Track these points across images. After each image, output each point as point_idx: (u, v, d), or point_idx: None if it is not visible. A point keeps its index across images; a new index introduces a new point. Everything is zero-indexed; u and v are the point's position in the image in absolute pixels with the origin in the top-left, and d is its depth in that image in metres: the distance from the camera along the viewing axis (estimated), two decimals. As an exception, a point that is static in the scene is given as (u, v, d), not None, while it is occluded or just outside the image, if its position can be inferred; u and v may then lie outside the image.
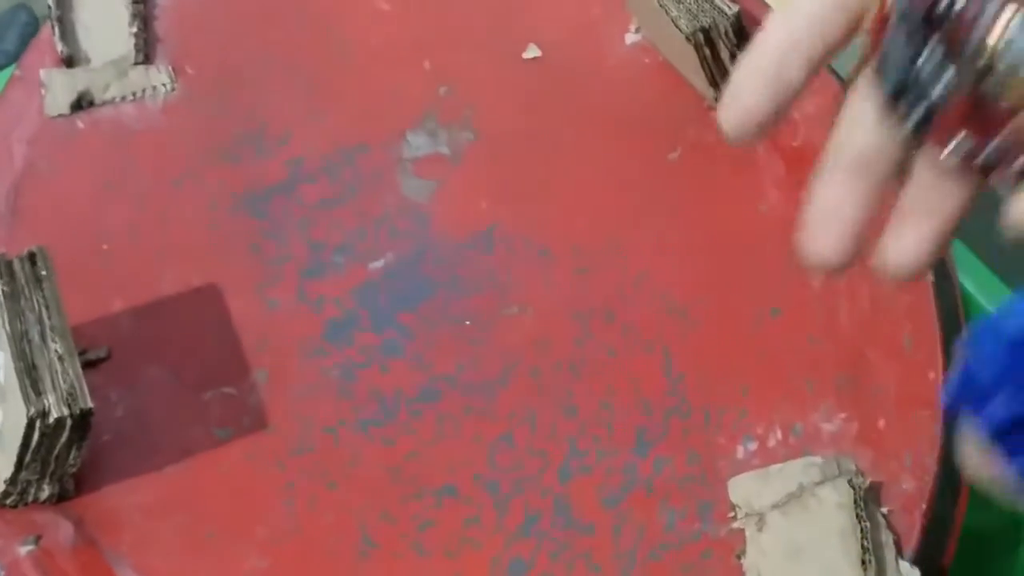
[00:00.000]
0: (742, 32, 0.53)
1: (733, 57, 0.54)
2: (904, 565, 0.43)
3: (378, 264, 0.55)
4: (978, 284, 0.62)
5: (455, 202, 0.57)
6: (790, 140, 0.57)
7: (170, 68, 0.59)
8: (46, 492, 0.45)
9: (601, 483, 0.49)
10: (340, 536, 0.47)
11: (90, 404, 0.43)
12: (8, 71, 0.59)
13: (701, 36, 0.53)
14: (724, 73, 0.55)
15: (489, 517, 0.48)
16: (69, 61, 0.57)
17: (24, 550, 0.44)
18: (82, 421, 0.43)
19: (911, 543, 0.44)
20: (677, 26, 0.53)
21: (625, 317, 0.53)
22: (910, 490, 0.45)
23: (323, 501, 0.48)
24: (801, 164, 0.57)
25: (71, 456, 0.44)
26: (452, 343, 0.53)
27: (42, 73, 0.57)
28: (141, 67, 0.58)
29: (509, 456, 0.50)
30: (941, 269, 0.54)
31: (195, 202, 0.56)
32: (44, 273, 0.45)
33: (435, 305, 0.54)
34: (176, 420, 0.49)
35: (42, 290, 0.45)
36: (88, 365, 0.48)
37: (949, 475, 0.46)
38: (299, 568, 0.46)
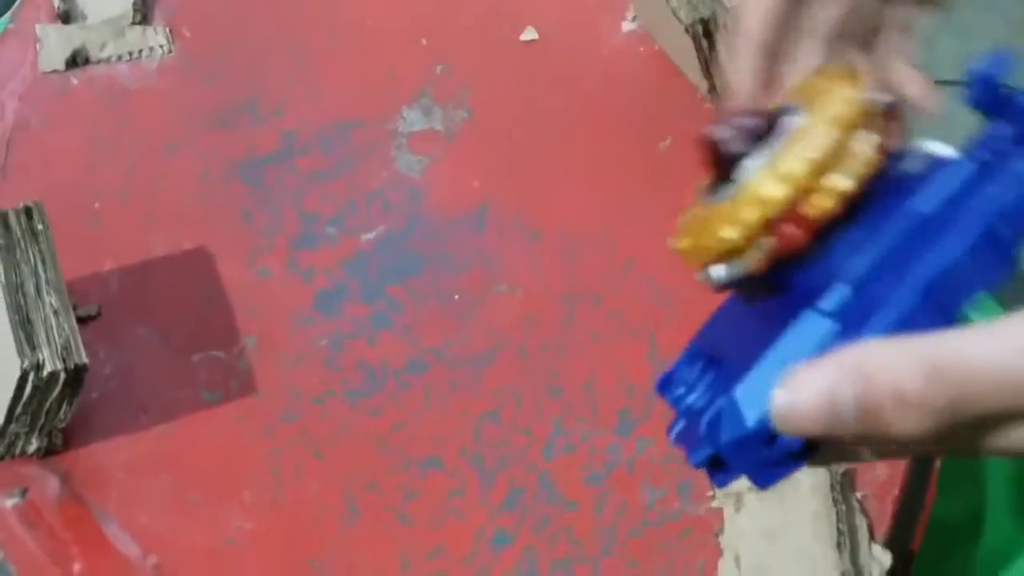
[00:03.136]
0: (740, 27, 0.54)
1: (730, 51, 0.55)
2: (876, 548, 0.44)
3: (369, 237, 0.55)
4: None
5: (448, 179, 0.57)
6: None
7: (167, 30, 0.58)
8: (34, 446, 0.45)
9: (584, 462, 0.50)
10: (325, 504, 0.48)
11: (85, 359, 0.43)
12: (1, 23, 0.59)
13: (700, 27, 0.54)
14: (719, 64, 0.56)
15: (473, 490, 0.49)
16: (65, 17, 0.56)
17: (10, 502, 0.44)
18: (76, 376, 0.43)
19: (883, 528, 0.45)
20: (676, 16, 0.54)
21: (612, 302, 0.54)
22: (883, 477, 0.47)
23: (309, 469, 0.49)
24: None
25: (61, 411, 0.44)
26: (440, 318, 0.54)
27: (37, 28, 0.56)
28: (138, 27, 0.57)
29: (494, 432, 0.50)
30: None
31: (188, 166, 0.56)
32: (40, 227, 0.45)
33: (425, 279, 0.55)
34: (164, 381, 0.49)
35: (38, 244, 0.45)
36: (78, 322, 0.48)
37: (919, 464, 0.48)
38: (284, 533, 0.47)
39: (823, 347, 0.23)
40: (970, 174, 0.23)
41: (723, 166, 0.26)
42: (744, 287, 0.26)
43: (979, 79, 0.23)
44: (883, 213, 0.23)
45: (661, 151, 0.58)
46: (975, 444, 0.24)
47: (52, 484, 0.45)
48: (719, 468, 0.26)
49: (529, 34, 0.61)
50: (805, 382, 0.23)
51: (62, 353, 0.42)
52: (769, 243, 0.24)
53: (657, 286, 0.55)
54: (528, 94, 0.60)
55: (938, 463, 0.49)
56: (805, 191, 0.23)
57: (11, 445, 0.44)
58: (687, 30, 0.54)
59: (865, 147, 0.23)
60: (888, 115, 0.24)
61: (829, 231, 0.24)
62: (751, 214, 0.24)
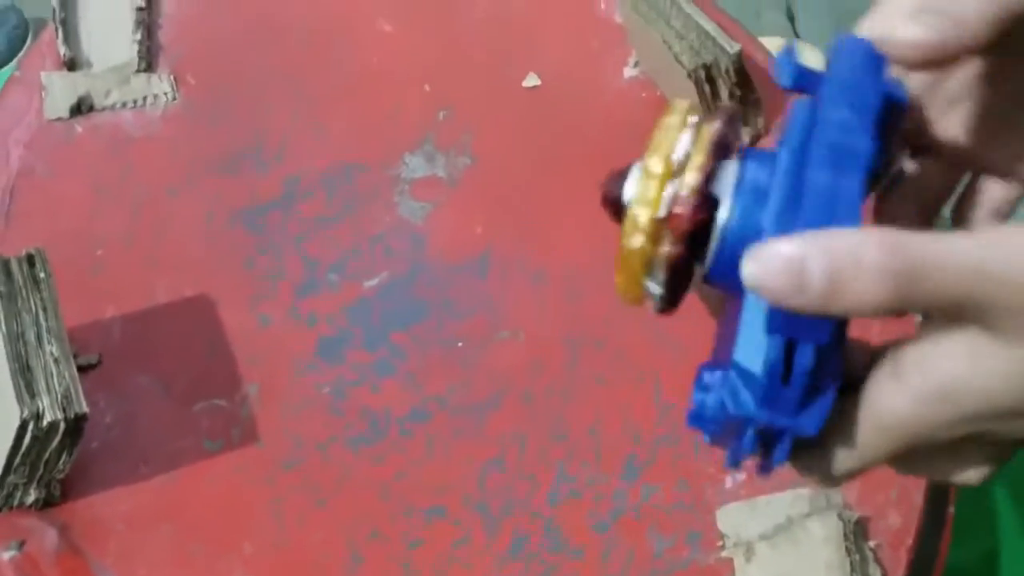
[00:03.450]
0: (742, 71, 0.55)
1: (732, 95, 0.55)
2: (890, 597, 0.44)
3: (372, 283, 0.55)
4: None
5: (450, 225, 0.57)
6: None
7: (172, 77, 0.59)
8: (32, 497, 0.44)
9: (590, 508, 0.49)
10: (328, 553, 0.47)
11: (85, 409, 0.42)
12: (5, 72, 0.59)
13: (703, 72, 0.54)
14: (721, 111, 0.57)
15: (478, 538, 0.48)
16: (71, 64, 0.57)
17: (7, 555, 0.43)
18: (76, 426, 0.42)
19: (898, 576, 0.45)
20: (679, 61, 0.54)
21: (616, 344, 0.54)
22: (897, 524, 0.46)
23: (312, 517, 0.48)
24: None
25: (61, 461, 0.43)
26: (444, 364, 0.53)
27: (43, 75, 0.57)
28: (143, 74, 0.58)
29: (499, 479, 0.50)
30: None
31: (191, 213, 0.56)
32: (42, 275, 0.45)
33: (428, 326, 0.54)
34: (165, 430, 0.49)
35: (40, 292, 0.44)
36: (79, 370, 0.47)
37: (934, 510, 0.47)
38: (286, 584, 0.46)
39: None
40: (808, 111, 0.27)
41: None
42: (683, 288, 0.28)
43: (786, 65, 0.28)
44: (763, 170, 0.27)
45: (664, 195, 0.58)
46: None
47: (50, 536, 0.45)
48: (768, 445, 0.27)
49: (532, 80, 0.62)
50: (773, 250, 0.24)
51: (62, 402, 0.42)
52: (670, 232, 0.27)
53: (661, 328, 0.54)
54: (531, 140, 0.60)
55: (952, 510, 0.48)
56: (676, 177, 0.27)
57: (9, 496, 0.44)
58: (689, 75, 0.54)
59: (707, 131, 0.27)
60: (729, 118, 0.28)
61: (715, 206, 0.27)
62: (642, 216, 0.27)
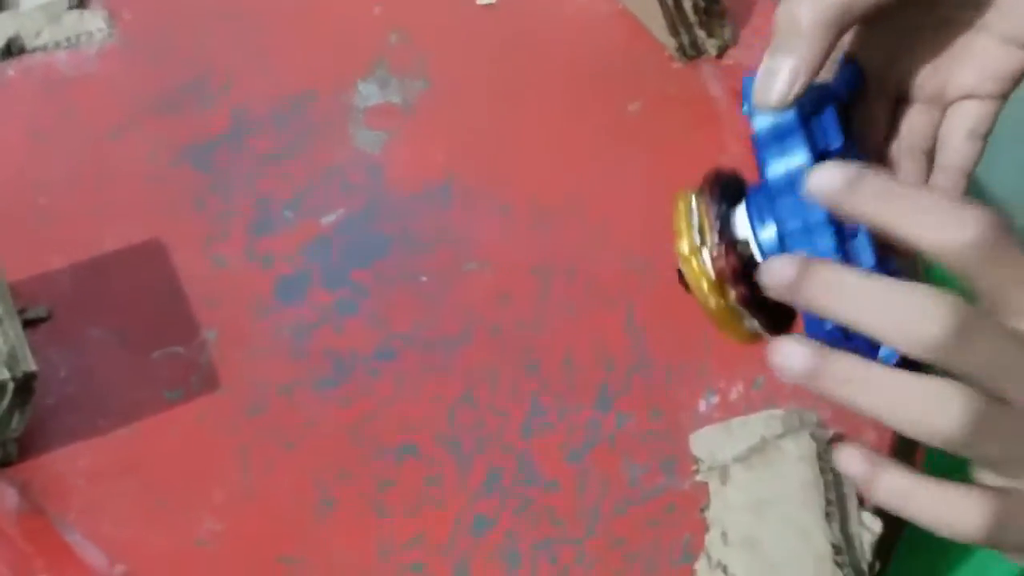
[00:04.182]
0: (705, -20, 0.52)
1: (695, 6, 0.53)
2: (867, 516, 0.43)
3: (329, 219, 0.53)
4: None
5: (409, 154, 0.55)
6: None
7: (106, 13, 0.55)
8: (-13, 459, 0.43)
9: (564, 440, 0.48)
10: (298, 497, 0.46)
11: (33, 367, 0.41)
12: (-72, 14, 0.56)
13: (664, -17, 0.51)
14: (686, 22, 0.54)
15: (451, 476, 0.47)
16: (-4, 4, 0.54)
17: (-35, 519, 0.42)
18: (25, 384, 0.41)
19: (873, 494, 0.44)
20: (639, -27, 0.52)
21: (586, 273, 0.52)
22: (871, 441, 0.46)
23: (280, 463, 0.47)
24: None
25: (14, 421, 0.42)
26: (409, 300, 0.52)
27: (-33, 16, 0.54)
28: (75, 11, 0.55)
29: (470, 414, 0.49)
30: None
31: (135, 154, 0.53)
32: (-23, 229, 0.43)
33: (390, 261, 0.53)
34: (123, 382, 0.47)
35: (-25, 247, 0.42)
36: (27, 325, 0.45)
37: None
38: (256, 530, 0.45)
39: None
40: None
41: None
42: (773, 308, 0.32)
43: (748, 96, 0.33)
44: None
45: (631, 113, 0.56)
46: None
47: (10, 496, 0.43)
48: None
49: (486, -2, 0.59)
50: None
51: (8, 361, 0.40)
52: (726, 282, 0.33)
53: (632, 254, 0.53)
54: (489, 60, 0.58)
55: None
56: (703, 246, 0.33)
57: (-37, 459, 0.43)
58: (650, -14, 0.52)
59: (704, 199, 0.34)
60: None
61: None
62: (702, 286, 0.33)
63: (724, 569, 0.43)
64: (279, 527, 0.45)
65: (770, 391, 0.48)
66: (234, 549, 0.45)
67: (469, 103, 0.56)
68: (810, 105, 0.33)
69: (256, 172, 0.54)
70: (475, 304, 0.52)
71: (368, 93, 0.56)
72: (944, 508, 0.27)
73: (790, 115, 0.32)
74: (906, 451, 0.46)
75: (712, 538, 0.44)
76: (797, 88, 0.31)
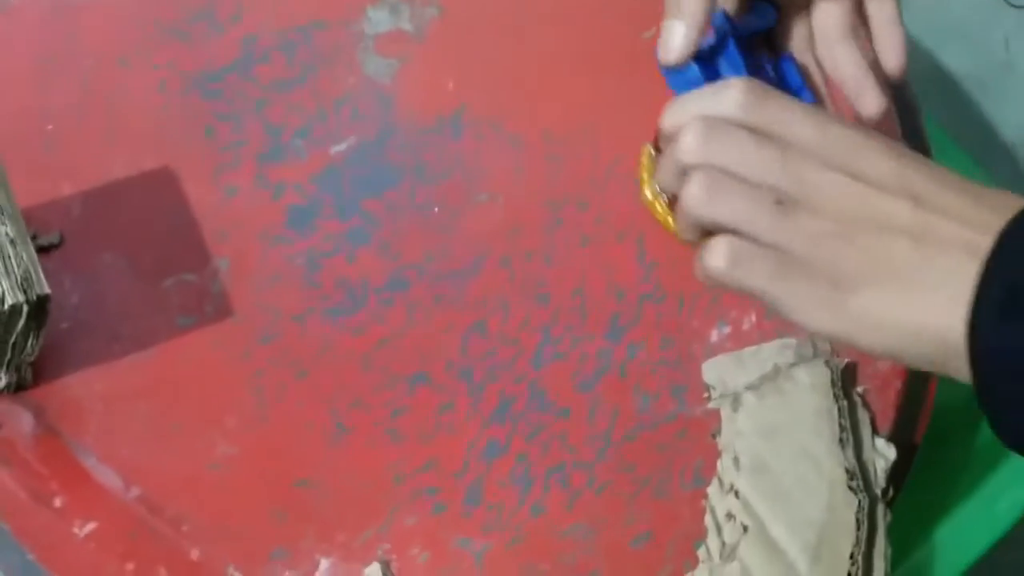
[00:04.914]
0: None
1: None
2: (880, 442, 0.43)
3: (340, 148, 0.53)
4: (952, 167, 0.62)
5: (420, 83, 0.55)
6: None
7: (111, -65, 0.54)
8: (3, 381, 0.43)
9: (575, 368, 0.48)
10: (311, 423, 0.46)
11: (47, 290, 0.40)
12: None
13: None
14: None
15: (463, 403, 0.47)
16: (-1, -75, 0.53)
17: (-17, 441, 0.43)
18: (39, 308, 0.41)
19: (887, 421, 0.45)
20: None
21: (598, 205, 0.52)
22: (884, 369, 0.46)
23: (293, 389, 0.47)
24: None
25: (28, 344, 0.42)
26: (420, 231, 0.51)
27: (-31, -62, 0.53)
28: (79, -67, 0.53)
29: (482, 344, 0.49)
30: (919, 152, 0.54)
31: (144, 81, 0.53)
32: (-12, 152, 0.42)
33: (401, 191, 0.52)
34: (136, 308, 0.47)
35: (-13, 170, 0.42)
36: (39, 251, 0.45)
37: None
38: (270, 455, 0.46)
39: None
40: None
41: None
42: None
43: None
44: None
45: (645, 41, 0.56)
46: None
47: (25, 419, 0.44)
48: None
49: (498, -76, 0.58)
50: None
51: (22, 284, 0.40)
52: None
53: (643, 185, 0.52)
54: (500, -12, 0.57)
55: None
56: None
57: (-22, 381, 0.43)
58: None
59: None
60: None
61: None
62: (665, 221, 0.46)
63: (736, 493, 0.43)
64: (293, 452, 0.46)
65: (783, 321, 0.48)
66: (248, 473, 0.45)
67: (481, 31, 0.56)
68: (711, 51, 0.39)
69: (265, 100, 0.53)
70: (486, 235, 0.51)
71: (378, 20, 0.55)
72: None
73: (692, 67, 0.38)
74: (920, 374, 0.46)
75: (724, 463, 0.44)
76: (689, 45, 0.37)
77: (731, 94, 0.33)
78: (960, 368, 0.31)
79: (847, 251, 0.32)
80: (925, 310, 0.31)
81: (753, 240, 0.33)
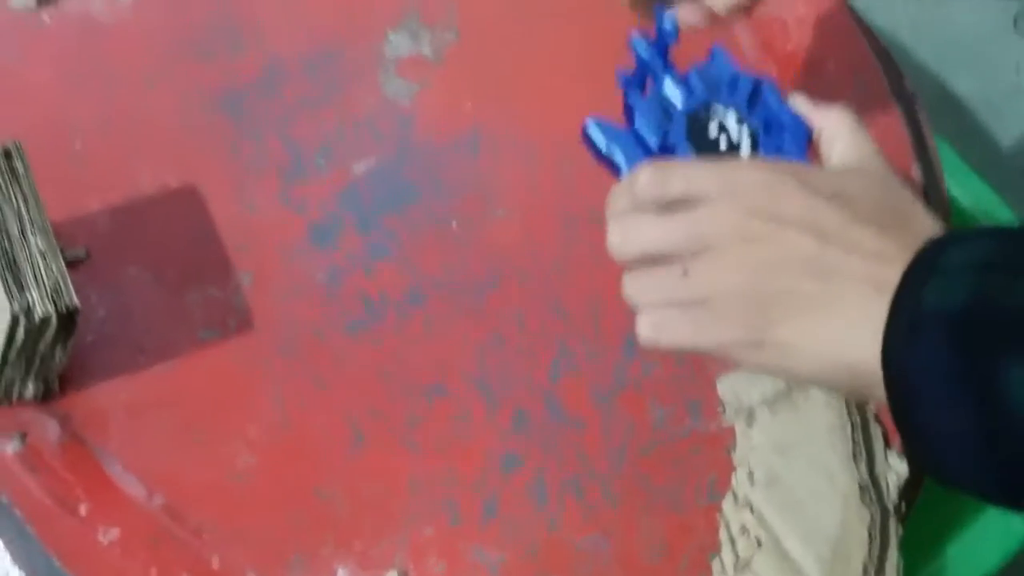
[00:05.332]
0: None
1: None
2: (893, 457, 0.44)
3: (361, 166, 0.54)
4: (965, 191, 0.63)
5: (438, 104, 0.56)
6: (783, 44, 0.56)
7: (140, -40, 0.56)
8: (31, 390, 0.44)
9: (591, 382, 0.49)
10: (331, 433, 0.47)
11: (76, 302, 0.41)
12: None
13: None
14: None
15: (480, 415, 0.48)
16: (33, -50, 0.54)
17: (10, 447, 0.43)
18: (68, 320, 0.42)
19: (899, 437, 0.45)
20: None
21: (612, 219, 0.53)
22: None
23: (313, 400, 0.48)
24: (791, 67, 0.57)
25: (56, 355, 0.43)
26: (438, 245, 0.52)
27: (4, -37, 0.54)
28: (109, -42, 0.55)
29: (499, 356, 0.50)
30: (930, 178, 0.55)
31: (169, 100, 0.54)
32: (20, 168, 0.44)
33: (420, 208, 0.53)
34: (160, 321, 0.48)
35: (19, 185, 0.43)
36: (67, 265, 0.46)
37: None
38: (291, 464, 0.46)
39: None
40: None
41: None
42: None
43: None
44: None
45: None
46: None
47: (52, 427, 0.45)
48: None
49: (514, -52, 0.59)
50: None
51: (52, 296, 0.41)
52: None
53: (658, 203, 0.53)
54: (518, 11, 0.58)
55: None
56: None
57: (7, 390, 0.44)
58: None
59: None
60: None
61: None
62: None
63: (751, 507, 0.43)
64: (313, 462, 0.47)
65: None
66: (269, 482, 0.46)
67: (497, 53, 0.57)
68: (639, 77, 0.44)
69: (288, 120, 0.54)
70: (503, 249, 0.52)
71: (398, 44, 0.57)
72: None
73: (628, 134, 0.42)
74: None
75: (738, 478, 0.45)
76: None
77: (639, 182, 0.36)
78: (882, 396, 0.31)
79: (757, 295, 0.33)
80: (839, 342, 0.32)
81: (677, 302, 0.35)
